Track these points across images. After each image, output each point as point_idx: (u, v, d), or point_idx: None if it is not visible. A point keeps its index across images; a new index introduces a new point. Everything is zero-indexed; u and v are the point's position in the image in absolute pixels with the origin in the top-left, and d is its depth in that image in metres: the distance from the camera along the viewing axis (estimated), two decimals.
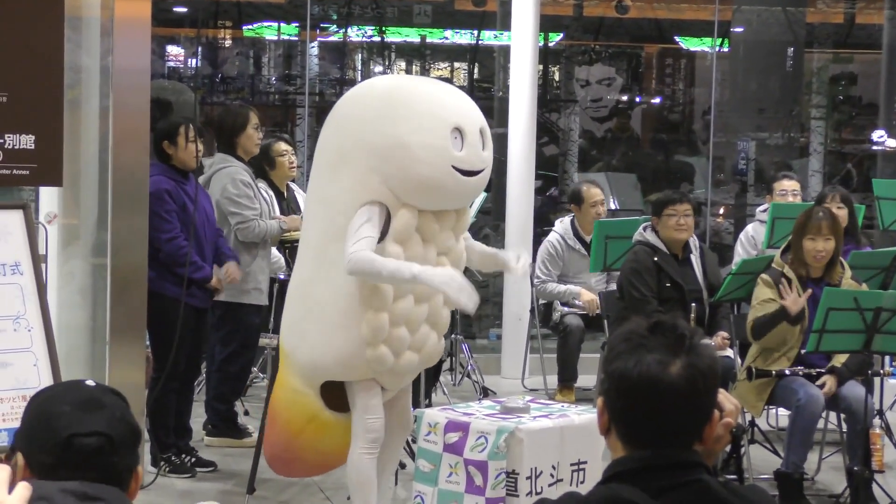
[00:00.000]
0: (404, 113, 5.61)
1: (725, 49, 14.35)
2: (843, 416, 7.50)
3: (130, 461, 2.80)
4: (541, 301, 9.81)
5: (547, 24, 12.89)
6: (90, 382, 2.91)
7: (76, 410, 2.80)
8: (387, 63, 15.35)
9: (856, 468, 6.97)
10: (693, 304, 7.75)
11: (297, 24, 14.35)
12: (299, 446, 6.19)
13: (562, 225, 9.82)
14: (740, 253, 9.37)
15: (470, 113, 5.75)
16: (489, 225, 12.60)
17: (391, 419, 6.06)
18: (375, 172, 5.59)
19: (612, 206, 12.95)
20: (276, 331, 7.91)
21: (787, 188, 9.55)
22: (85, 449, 2.75)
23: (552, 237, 9.79)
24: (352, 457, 5.90)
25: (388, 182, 5.59)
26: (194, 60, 14.79)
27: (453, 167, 5.57)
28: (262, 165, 8.39)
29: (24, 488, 2.21)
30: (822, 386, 7.20)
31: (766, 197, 9.76)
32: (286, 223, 7.99)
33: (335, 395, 5.99)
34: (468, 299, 5.57)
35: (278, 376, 6.20)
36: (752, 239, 9.39)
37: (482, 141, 5.71)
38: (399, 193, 5.59)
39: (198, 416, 8.05)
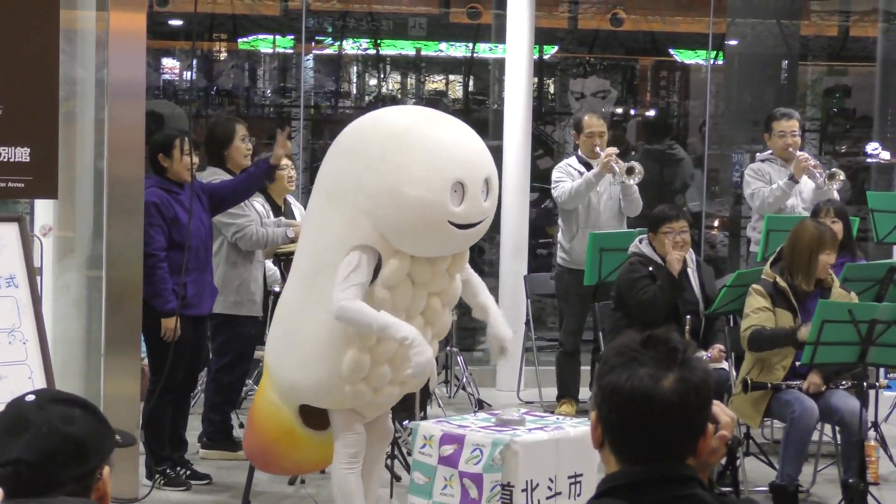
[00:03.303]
0: (404, 160, 5.44)
1: (720, 62, 14.36)
2: (837, 428, 7.51)
3: (73, 472, 2.72)
4: (567, 206, 9.47)
5: (542, 36, 12.90)
6: (30, 397, 2.81)
7: None
8: (381, 76, 15.36)
9: (851, 480, 6.97)
10: (688, 317, 7.75)
11: (292, 37, 14.34)
12: (274, 453, 6.23)
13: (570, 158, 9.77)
14: (750, 183, 9.25)
15: (475, 164, 5.54)
16: (484, 237, 12.60)
17: (370, 432, 6.06)
18: (369, 216, 5.50)
19: None
20: None
21: (787, 129, 9.29)
22: (2, 480, 2.69)
23: (564, 161, 9.72)
24: (334, 472, 5.93)
25: (380, 228, 5.49)
26: (189, 73, 14.78)
27: (449, 222, 5.46)
28: None
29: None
30: (810, 391, 7.25)
31: (763, 136, 9.58)
32: (294, 231, 7.94)
33: (313, 408, 6.00)
34: (423, 377, 5.63)
35: (261, 383, 6.24)
36: (762, 173, 9.25)
37: (486, 192, 5.54)
38: (391, 240, 5.50)
39: (193, 429, 8.04)
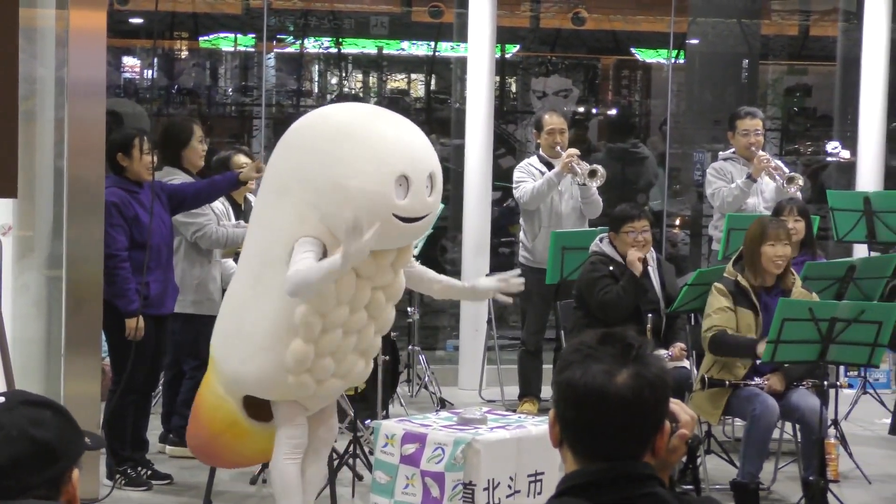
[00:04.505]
0: (348, 154, 5.48)
1: (681, 61, 14.41)
2: (797, 426, 7.54)
3: (42, 476, 2.70)
4: (529, 207, 9.43)
5: (504, 35, 12.92)
6: None
7: None
8: (343, 74, 15.35)
9: (811, 478, 7.01)
10: (649, 316, 7.77)
11: (253, 36, 14.33)
12: (218, 445, 6.22)
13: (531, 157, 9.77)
14: (711, 182, 9.31)
15: (420, 159, 5.58)
16: (447, 236, 12.61)
17: (315, 431, 6.05)
18: (315, 209, 5.53)
19: None
20: None
21: (750, 127, 9.32)
22: None
23: (525, 161, 9.70)
24: (275, 463, 5.92)
25: (326, 221, 5.52)
26: (150, 72, 14.74)
27: (394, 215, 5.48)
28: None
29: None
30: (773, 391, 7.27)
31: (727, 134, 9.63)
32: None
33: (258, 401, 5.99)
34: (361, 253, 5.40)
35: (206, 375, 6.23)
36: (723, 172, 9.29)
37: (430, 187, 5.58)
38: (336, 233, 5.50)
39: (154, 429, 8.02)
